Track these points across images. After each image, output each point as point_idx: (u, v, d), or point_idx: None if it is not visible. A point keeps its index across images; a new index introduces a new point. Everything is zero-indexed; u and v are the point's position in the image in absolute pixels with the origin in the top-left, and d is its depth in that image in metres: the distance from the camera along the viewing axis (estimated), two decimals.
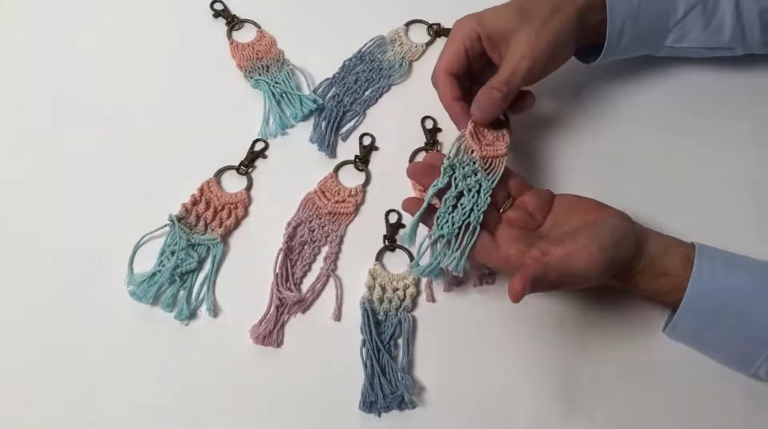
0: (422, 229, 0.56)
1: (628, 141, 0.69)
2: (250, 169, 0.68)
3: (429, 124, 0.71)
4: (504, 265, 0.54)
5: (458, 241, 0.54)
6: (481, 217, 0.55)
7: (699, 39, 0.65)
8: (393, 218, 0.65)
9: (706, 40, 0.65)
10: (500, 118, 0.61)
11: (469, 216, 0.55)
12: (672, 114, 0.70)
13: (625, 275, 0.55)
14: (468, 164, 0.57)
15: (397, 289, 0.62)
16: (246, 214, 0.66)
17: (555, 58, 0.60)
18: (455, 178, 0.56)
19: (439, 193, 0.56)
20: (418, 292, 0.62)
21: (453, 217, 0.55)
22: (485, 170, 0.57)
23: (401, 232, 0.58)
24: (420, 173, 0.58)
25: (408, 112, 0.71)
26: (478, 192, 0.56)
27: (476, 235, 0.55)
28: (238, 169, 0.68)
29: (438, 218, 0.55)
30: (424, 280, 0.62)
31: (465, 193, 0.56)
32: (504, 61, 0.59)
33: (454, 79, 0.60)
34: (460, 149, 0.58)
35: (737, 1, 0.63)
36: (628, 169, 0.67)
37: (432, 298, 0.62)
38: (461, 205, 0.55)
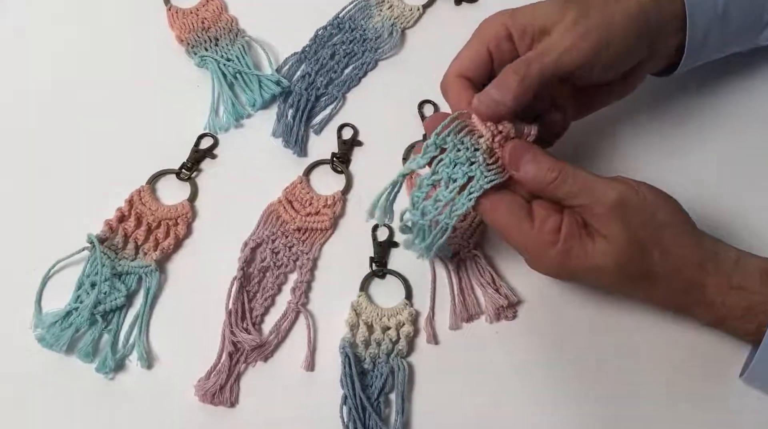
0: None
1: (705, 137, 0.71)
2: (195, 174, 0.69)
3: (428, 111, 0.70)
4: (533, 246, 0.55)
5: (434, 234, 0.57)
6: (454, 220, 0.56)
7: None
8: (383, 234, 0.65)
9: None
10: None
11: (441, 213, 0.56)
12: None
13: (676, 276, 0.56)
14: (468, 149, 0.57)
15: (389, 328, 0.62)
16: (189, 232, 0.67)
17: (606, 51, 0.59)
18: (438, 163, 0.56)
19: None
20: (416, 332, 0.63)
21: (424, 206, 0.57)
22: (487, 165, 0.57)
23: (404, 217, 0.58)
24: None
25: (400, 95, 0.72)
26: (462, 188, 0.56)
27: (446, 234, 0.57)
28: (178, 173, 0.68)
29: (414, 200, 0.56)
30: (423, 317, 0.63)
31: (443, 184, 0.56)
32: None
33: (467, 84, 0.60)
34: (462, 128, 0.57)
35: None
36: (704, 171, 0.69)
37: (434, 339, 0.62)
38: (436, 198, 0.56)
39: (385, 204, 0.57)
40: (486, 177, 0.56)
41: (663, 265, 0.56)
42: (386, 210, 0.57)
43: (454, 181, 0.56)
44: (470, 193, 0.56)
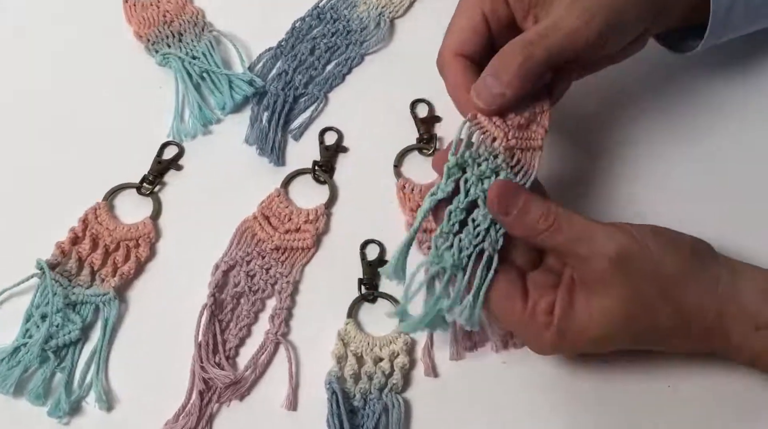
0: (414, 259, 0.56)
1: (722, 145, 0.70)
2: (158, 188, 0.69)
3: (422, 111, 0.71)
4: (527, 330, 0.55)
5: (467, 278, 0.54)
6: (501, 242, 0.55)
7: None
8: (372, 253, 0.65)
9: None
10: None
11: (483, 239, 0.55)
12: None
13: (690, 326, 0.55)
14: (487, 159, 0.56)
15: (381, 360, 0.61)
16: (152, 254, 0.66)
17: (619, 24, 0.60)
18: (466, 182, 0.56)
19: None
20: (413, 363, 0.62)
21: (460, 240, 0.55)
22: (511, 168, 0.57)
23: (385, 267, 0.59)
24: None
25: (390, 94, 0.72)
26: None
27: (493, 268, 0.55)
28: (139, 187, 0.68)
29: (437, 240, 0.55)
30: (421, 344, 0.62)
31: (480, 203, 0.56)
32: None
33: (466, 63, 0.60)
34: (475, 138, 0.57)
35: None
36: (717, 182, 0.69)
37: (433, 372, 0.61)
38: (473, 221, 0.55)
39: (403, 261, 0.55)
40: (519, 182, 0.57)
41: (673, 320, 0.56)
42: (401, 267, 0.55)
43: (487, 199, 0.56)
44: None
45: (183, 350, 0.61)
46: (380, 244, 0.65)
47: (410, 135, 0.70)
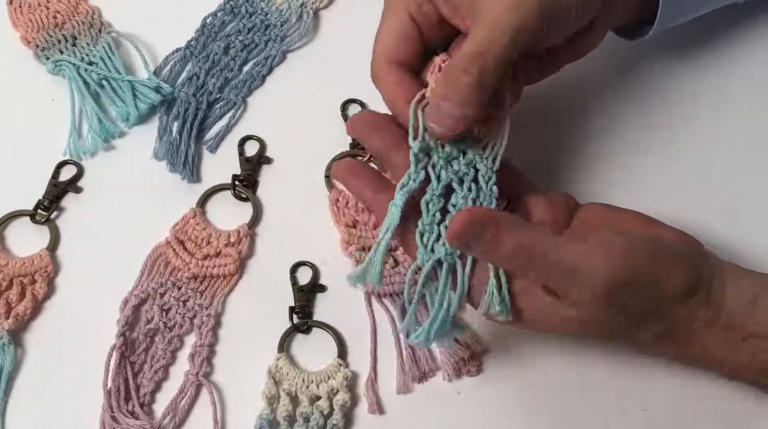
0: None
1: (693, 129, 0.71)
2: (54, 214, 0.68)
3: (354, 113, 0.69)
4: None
5: (469, 265, 0.55)
6: None
7: None
8: (304, 276, 0.64)
9: None
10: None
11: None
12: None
13: (676, 334, 0.56)
14: (450, 141, 0.58)
15: (319, 398, 0.61)
16: (51, 291, 0.65)
17: (559, 18, 0.60)
18: (434, 167, 0.57)
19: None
20: (355, 400, 0.61)
21: (447, 228, 0.55)
22: (478, 144, 0.58)
23: (353, 272, 0.56)
24: (370, 127, 0.59)
25: (317, 95, 0.72)
26: (475, 180, 0.57)
27: None
28: (33, 214, 0.68)
29: (421, 236, 0.55)
30: (362, 380, 0.62)
31: (456, 186, 0.57)
32: (472, 27, 0.59)
33: (401, 72, 0.61)
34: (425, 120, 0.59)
35: None
36: (691, 169, 0.70)
37: (378, 408, 0.61)
38: (453, 207, 0.56)
39: (383, 255, 0.54)
40: (487, 158, 0.57)
41: (656, 334, 0.56)
42: (381, 270, 0.55)
43: (461, 179, 0.57)
44: (488, 182, 0.57)
45: (91, 399, 0.60)
46: (313, 267, 0.65)
47: (342, 140, 0.69)
